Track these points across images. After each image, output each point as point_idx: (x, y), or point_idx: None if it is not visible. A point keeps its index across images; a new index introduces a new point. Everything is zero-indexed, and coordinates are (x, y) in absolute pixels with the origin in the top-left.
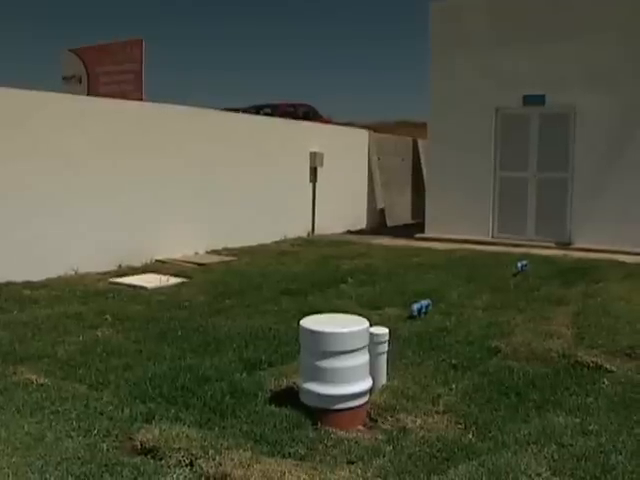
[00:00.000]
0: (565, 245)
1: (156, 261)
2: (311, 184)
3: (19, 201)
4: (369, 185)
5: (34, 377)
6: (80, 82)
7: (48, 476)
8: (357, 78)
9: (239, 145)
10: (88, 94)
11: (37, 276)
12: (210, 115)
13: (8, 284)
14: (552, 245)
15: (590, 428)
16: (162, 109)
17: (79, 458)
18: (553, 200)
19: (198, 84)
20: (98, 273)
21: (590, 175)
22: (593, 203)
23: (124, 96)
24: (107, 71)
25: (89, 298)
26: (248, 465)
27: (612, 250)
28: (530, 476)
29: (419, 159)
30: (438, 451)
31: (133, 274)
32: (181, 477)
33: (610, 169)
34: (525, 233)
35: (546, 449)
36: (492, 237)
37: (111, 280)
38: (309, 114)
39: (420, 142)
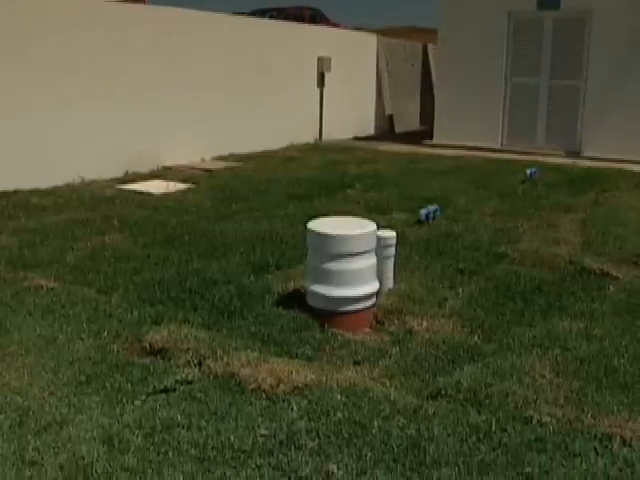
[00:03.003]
0: (575, 154)
1: (163, 167)
2: (318, 89)
3: (24, 109)
4: (377, 91)
5: (44, 282)
6: None
7: (61, 376)
8: None
9: (245, 49)
10: None
11: (44, 184)
12: (214, 19)
13: (16, 192)
14: (562, 154)
15: (594, 332)
16: (165, 13)
17: (90, 359)
18: (564, 108)
19: None
20: (105, 180)
21: (603, 83)
22: (605, 112)
23: (126, 0)
24: None
25: (96, 204)
26: (256, 365)
27: (623, 160)
28: (534, 377)
29: (429, 64)
30: (443, 353)
31: (140, 180)
32: (190, 376)
33: (624, 77)
34: (535, 141)
35: (550, 352)
36: (501, 145)
37: (118, 186)
38: (316, 18)
39: (430, 47)
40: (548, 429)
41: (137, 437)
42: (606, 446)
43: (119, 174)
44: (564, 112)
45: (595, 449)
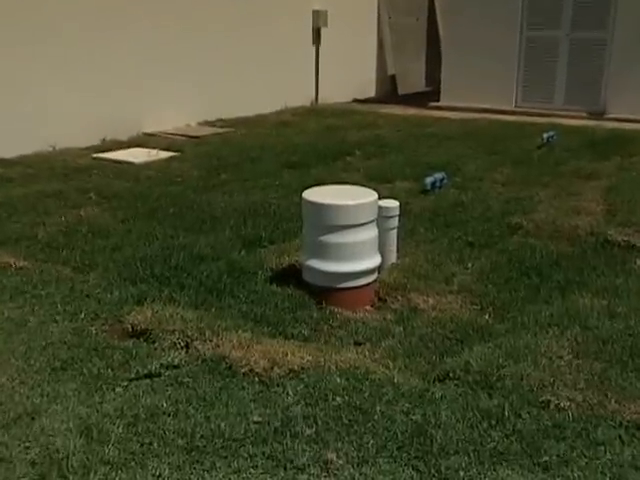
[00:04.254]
0: (598, 115)
1: (144, 134)
2: (314, 47)
3: None
4: (379, 48)
5: (12, 260)
6: None
7: (33, 362)
8: None
9: (232, 3)
10: None
11: (9, 153)
12: None
13: None
14: (583, 115)
15: (618, 310)
16: None
17: (65, 343)
18: (587, 64)
19: None
20: (79, 148)
21: (633, 35)
22: (634, 67)
23: None
24: None
25: (70, 175)
26: (248, 346)
27: None
28: (551, 358)
29: (435, 18)
30: (451, 332)
31: (118, 149)
32: (176, 360)
33: None
34: (553, 101)
35: (569, 331)
36: (515, 106)
37: (94, 155)
38: None
39: None
40: (567, 415)
41: (118, 427)
42: (633, 434)
43: (95, 142)
44: (587, 68)
45: (620, 437)
